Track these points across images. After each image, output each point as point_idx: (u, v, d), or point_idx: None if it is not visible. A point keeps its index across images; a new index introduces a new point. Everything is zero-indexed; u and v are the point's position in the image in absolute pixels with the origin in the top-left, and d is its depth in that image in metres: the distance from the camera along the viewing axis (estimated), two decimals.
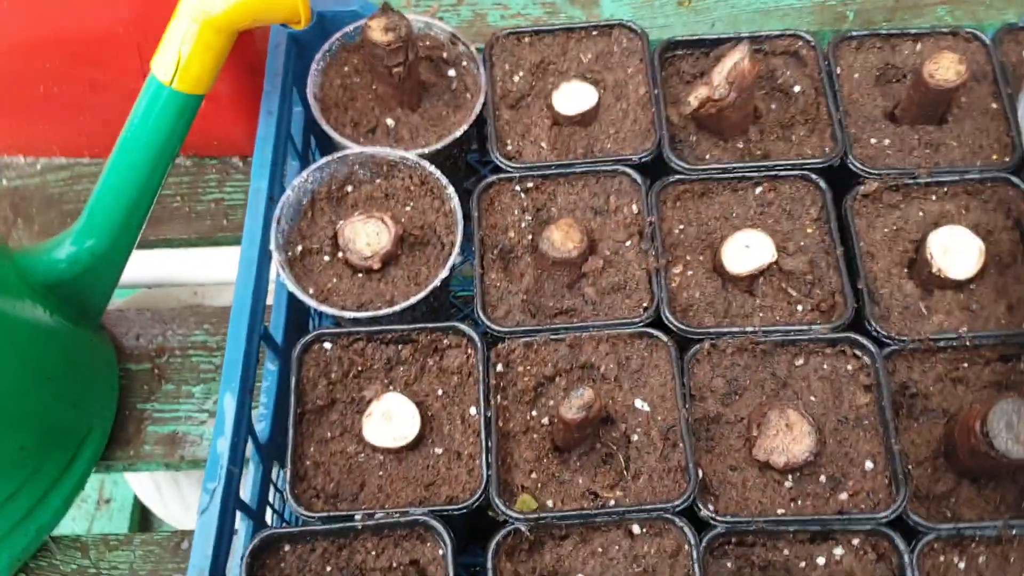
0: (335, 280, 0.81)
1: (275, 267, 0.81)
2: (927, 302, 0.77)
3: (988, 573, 0.69)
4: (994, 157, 0.82)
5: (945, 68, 0.79)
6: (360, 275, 0.81)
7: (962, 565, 0.69)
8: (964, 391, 0.75)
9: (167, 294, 1.19)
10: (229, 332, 0.77)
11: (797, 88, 0.87)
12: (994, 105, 0.85)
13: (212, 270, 1.11)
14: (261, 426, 0.82)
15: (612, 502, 0.71)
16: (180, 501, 1.42)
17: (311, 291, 0.80)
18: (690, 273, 0.80)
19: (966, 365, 0.75)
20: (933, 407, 0.75)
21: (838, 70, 0.87)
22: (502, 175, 0.84)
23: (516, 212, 0.84)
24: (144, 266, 1.11)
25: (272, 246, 0.80)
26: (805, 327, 0.76)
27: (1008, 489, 0.71)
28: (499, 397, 0.76)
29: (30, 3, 0.91)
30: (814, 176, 0.82)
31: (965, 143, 0.83)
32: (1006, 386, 0.74)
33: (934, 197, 0.81)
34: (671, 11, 1.17)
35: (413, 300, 0.78)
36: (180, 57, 0.77)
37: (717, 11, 1.16)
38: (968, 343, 0.75)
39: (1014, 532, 0.69)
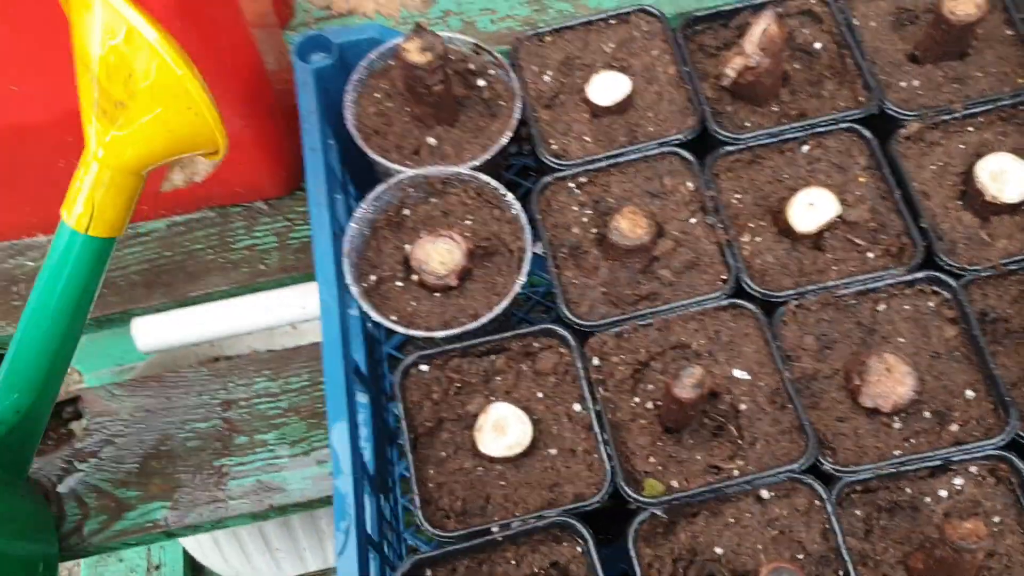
0: (414, 303, 0.82)
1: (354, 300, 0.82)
2: (988, 229, 0.80)
3: None
4: (1020, 81, 0.85)
5: (965, 3, 0.82)
6: (438, 294, 0.82)
7: None
8: None
9: (206, 352, 1.19)
10: (326, 371, 0.77)
11: (818, 45, 0.90)
12: (1009, 32, 0.88)
13: (251, 317, 1.10)
14: (366, 458, 0.82)
15: (736, 472, 0.73)
16: (238, 550, 1.42)
17: (394, 318, 0.81)
18: (758, 239, 0.82)
19: None
20: (1015, 328, 0.77)
21: (855, 21, 0.89)
22: (556, 174, 0.86)
23: (576, 208, 0.85)
24: (188, 324, 1.10)
25: (348, 280, 0.81)
26: (881, 273, 0.78)
27: None
28: (600, 390, 0.77)
29: (51, 78, 0.90)
30: (857, 127, 0.84)
31: (990, 73, 0.86)
32: None
33: (972, 129, 0.84)
34: None
35: (498, 310, 0.79)
36: (93, 204, 0.73)
37: None
38: None
39: None
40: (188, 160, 1.05)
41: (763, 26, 0.82)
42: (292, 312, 1.06)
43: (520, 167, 1.05)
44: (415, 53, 0.81)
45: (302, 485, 0.99)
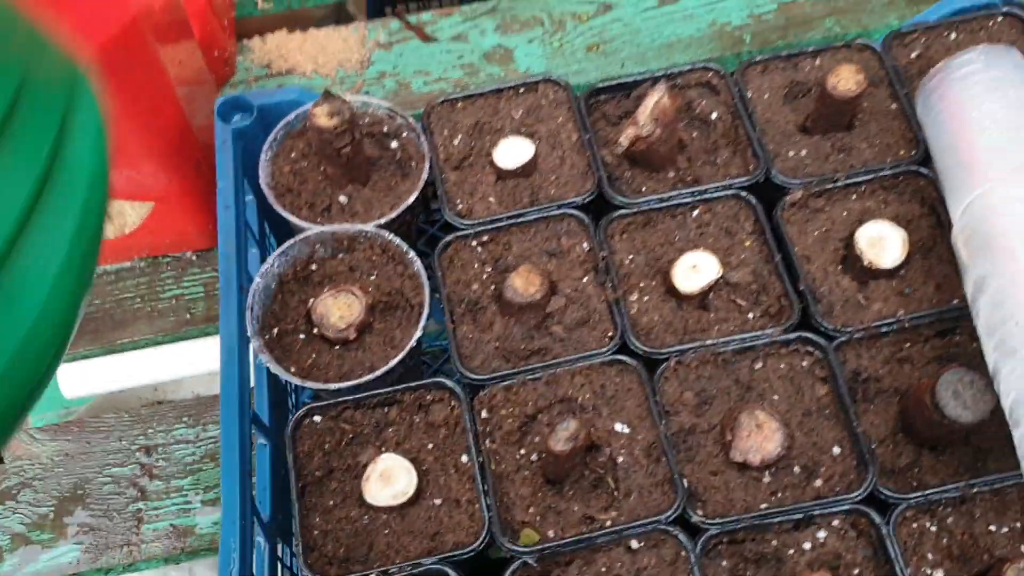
0: (314, 356, 0.85)
1: (253, 352, 0.85)
2: (864, 293, 0.84)
3: (958, 531, 0.75)
4: (901, 153, 0.90)
5: (845, 79, 0.87)
6: (337, 347, 0.85)
7: (934, 528, 0.75)
8: (911, 369, 0.81)
9: (129, 398, 1.21)
10: (222, 420, 0.80)
11: (714, 115, 0.94)
12: (893, 106, 0.92)
13: (174, 366, 1.13)
14: (261, 506, 0.85)
15: (608, 522, 0.76)
16: None
17: (293, 369, 0.84)
18: (646, 299, 0.86)
19: (908, 345, 0.82)
20: (885, 388, 0.81)
21: (749, 93, 0.94)
22: (458, 233, 0.89)
23: (476, 266, 0.89)
24: (114, 371, 1.13)
25: (249, 332, 0.84)
26: (759, 332, 0.82)
27: (964, 452, 0.78)
28: (487, 442, 0.80)
29: None
30: (744, 194, 0.88)
31: (874, 144, 0.91)
32: (947, 358, 0.81)
33: (854, 197, 0.89)
34: (582, 56, 1.25)
35: (393, 362, 0.82)
36: None
37: (625, 51, 1.24)
38: (907, 324, 0.81)
39: (975, 490, 0.75)
40: (117, 211, 1.09)
41: (656, 98, 0.87)
42: (214, 361, 1.09)
43: (444, 223, 1.08)
44: (323, 117, 0.86)
45: (215, 530, 1.01)
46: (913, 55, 0.95)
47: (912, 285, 0.84)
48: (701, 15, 1.26)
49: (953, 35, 0.96)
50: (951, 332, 0.82)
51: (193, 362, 1.12)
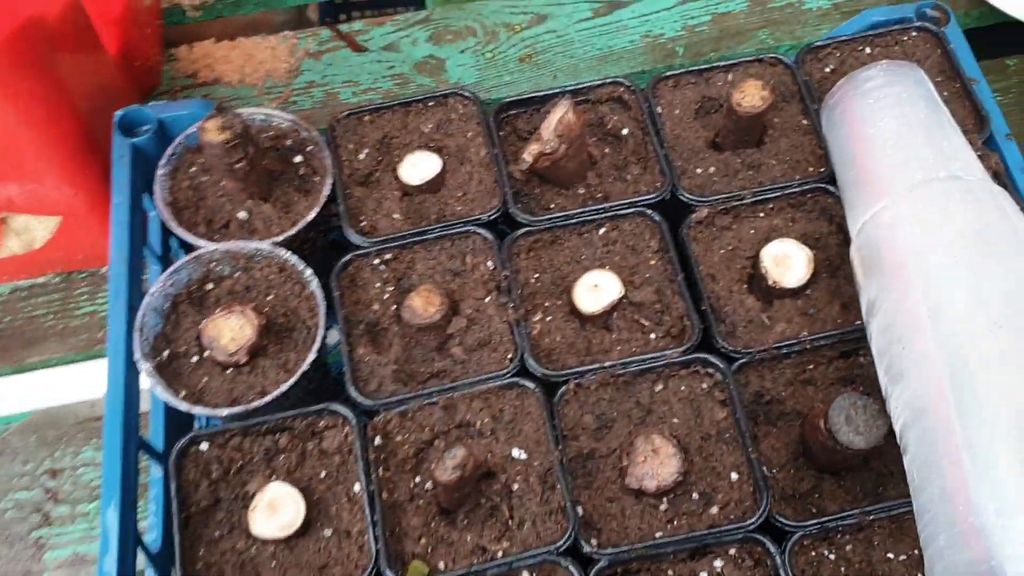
0: (205, 379, 0.83)
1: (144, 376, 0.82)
2: (768, 313, 0.82)
3: (856, 559, 0.73)
4: (810, 170, 0.88)
5: (751, 95, 0.85)
6: (229, 371, 0.83)
7: (832, 556, 0.73)
8: (814, 391, 0.80)
9: (38, 420, 1.18)
10: (104, 446, 0.78)
11: (626, 131, 0.93)
12: (804, 122, 0.91)
13: (85, 386, 1.10)
14: (152, 536, 0.82)
15: (500, 553, 0.74)
16: None
17: (182, 394, 0.81)
18: (549, 319, 0.84)
19: (812, 367, 0.80)
20: (788, 410, 0.79)
21: (659, 109, 0.92)
22: (359, 251, 0.87)
23: (378, 285, 0.86)
24: (24, 392, 1.10)
25: (137, 355, 0.81)
26: (659, 354, 0.80)
27: (864, 477, 0.76)
28: (380, 470, 0.78)
29: None
30: (649, 211, 0.87)
31: (783, 160, 0.89)
32: (849, 380, 0.80)
33: (762, 214, 0.87)
34: (514, 68, 1.23)
35: (284, 387, 0.80)
36: None
37: (557, 63, 1.22)
38: (809, 346, 0.80)
39: (871, 517, 0.73)
40: (23, 226, 1.06)
41: (560, 113, 0.85)
42: None
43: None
44: (213, 132, 0.83)
45: None
46: (827, 69, 0.94)
47: (817, 305, 0.83)
48: (635, 27, 1.24)
49: (868, 49, 0.94)
50: (854, 353, 0.81)
51: (105, 381, 1.09)
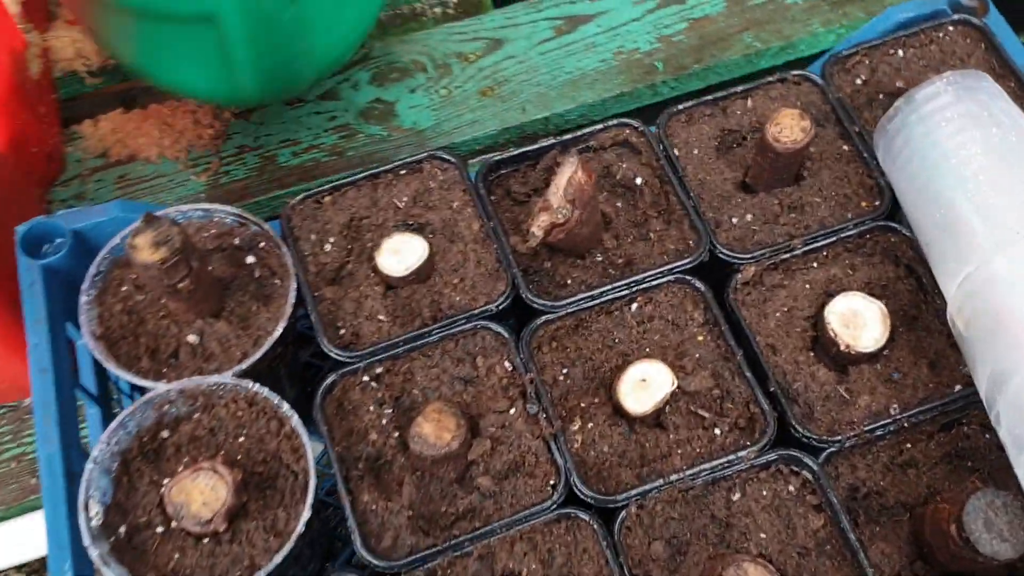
0: (177, 556, 0.66)
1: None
2: (846, 384, 0.69)
3: None
4: (863, 204, 0.75)
5: (789, 128, 0.72)
6: (206, 542, 0.66)
7: None
8: (916, 474, 0.67)
9: None
10: None
11: (639, 180, 0.79)
12: (845, 147, 0.78)
13: (24, 546, 0.92)
14: None
15: None
16: None
17: None
18: (591, 425, 0.69)
19: (910, 446, 0.68)
20: (890, 503, 0.66)
21: (675, 151, 0.78)
22: (343, 369, 0.71)
23: (372, 408, 0.71)
24: None
25: (85, 541, 0.64)
26: (730, 457, 0.66)
27: None
28: None
29: None
30: (687, 278, 0.73)
31: (829, 196, 0.76)
32: (956, 455, 0.67)
33: (816, 264, 0.74)
34: (475, 103, 1.08)
35: (278, 558, 0.64)
36: None
37: (524, 93, 1.08)
38: (907, 423, 0.67)
39: None
40: None
41: (567, 174, 0.70)
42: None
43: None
44: (147, 250, 0.66)
45: None
46: (858, 81, 0.81)
47: (901, 367, 0.70)
48: (603, 43, 1.10)
49: (900, 52, 0.82)
50: (957, 423, 0.68)
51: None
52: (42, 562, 0.96)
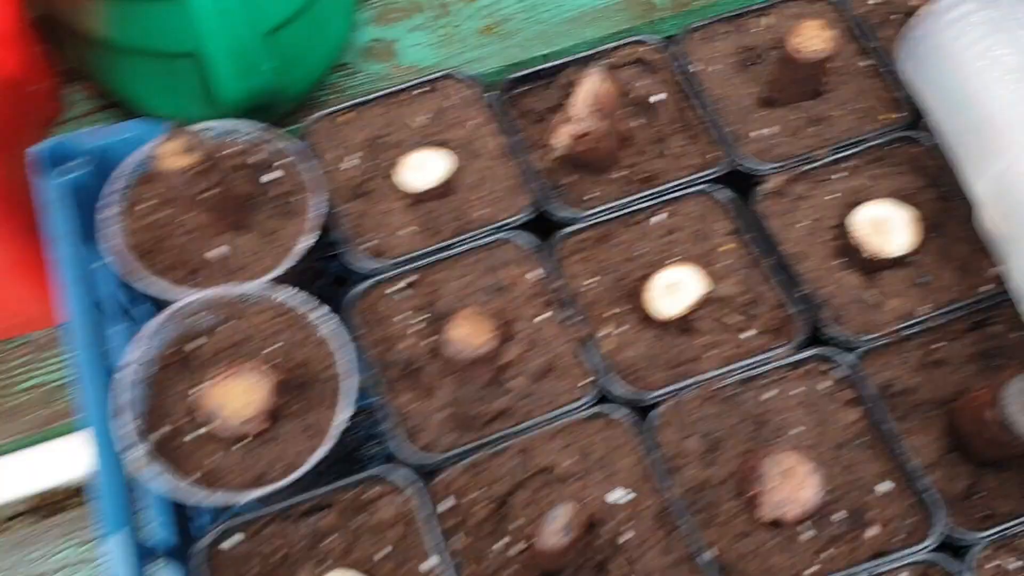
0: (213, 459, 0.66)
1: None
2: (875, 288, 0.70)
3: None
4: (884, 117, 0.77)
5: (811, 38, 0.73)
6: (240, 445, 0.66)
7: (1018, 563, 0.61)
8: (948, 372, 0.68)
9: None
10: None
11: (656, 98, 0.79)
12: (863, 63, 0.79)
13: (45, 474, 0.91)
14: None
15: None
16: None
17: (191, 480, 0.64)
18: (620, 330, 0.70)
19: (940, 344, 0.69)
20: (923, 400, 0.67)
21: (693, 67, 0.79)
22: (374, 279, 0.71)
23: (402, 317, 0.71)
24: None
25: (122, 446, 0.64)
26: (764, 356, 0.67)
27: None
28: (456, 538, 0.63)
29: None
30: (710, 188, 0.74)
31: (851, 110, 0.77)
32: (987, 355, 0.68)
33: (840, 175, 0.75)
34: (475, 42, 1.08)
35: (318, 456, 0.64)
36: None
37: (525, 31, 1.08)
38: (937, 321, 0.68)
39: None
40: None
41: (591, 84, 0.70)
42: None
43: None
44: (172, 158, 0.66)
45: None
46: (871, 1, 0.82)
47: (929, 272, 0.71)
48: None
49: None
50: (986, 323, 0.69)
51: (69, 465, 0.90)
52: (55, 493, 0.95)
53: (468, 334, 0.66)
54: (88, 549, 0.89)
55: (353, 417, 0.66)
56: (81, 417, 0.65)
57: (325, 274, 0.80)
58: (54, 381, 0.93)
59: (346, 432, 0.67)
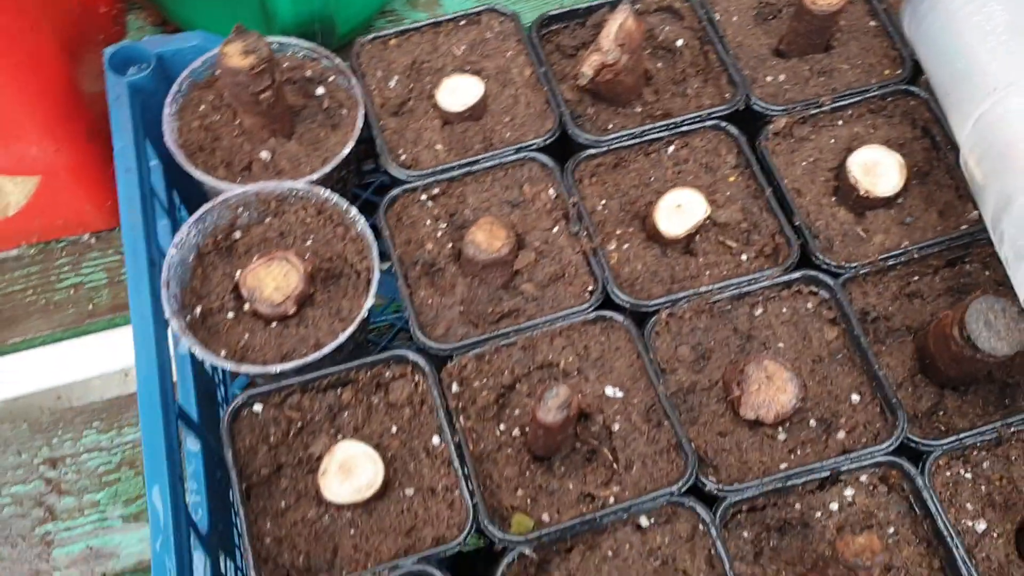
0: (247, 336, 0.73)
1: (173, 337, 0.72)
2: (863, 225, 0.76)
3: (995, 476, 0.67)
4: (886, 73, 0.82)
5: None
6: (275, 324, 0.73)
7: (969, 475, 0.67)
8: (921, 304, 0.74)
9: (28, 405, 1.06)
10: (142, 419, 0.67)
11: (680, 42, 0.85)
12: (872, 23, 0.85)
13: (79, 365, 0.98)
14: (198, 516, 0.72)
15: (611, 499, 0.66)
16: None
17: (223, 353, 0.71)
18: (626, 247, 0.76)
19: (917, 278, 0.74)
20: (897, 326, 0.73)
21: (716, 16, 0.85)
22: (405, 186, 0.78)
23: (428, 222, 0.77)
24: (7, 376, 0.98)
25: (167, 314, 0.71)
26: (756, 275, 0.73)
27: (989, 389, 0.71)
28: (462, 419, 0.69)
29: None
30: (723, 124, 0.79)
31: (856, 64, 0.83)
32: (958, 290, 0.74)
33: (841, 122, 0.81)
34: None
35: (342, 337, 0.70)
36: None
37: None
38: (916, 255, 0.74)
39: (1012, 430, 0.68)
40: None
41: (620, 20, 0.77)
42: (122, 357, 0.95)
43: (379, 185, 0.97)
44: (236, 57, 0.73)
45: (139, 548, 0.87)
46: None
47: (913, 213, 0.77)
48: None
49: None
50: (960, 261, 0.75)
51: (100, 359, 0.98)
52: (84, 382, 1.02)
53: (487, 237, 0.72)
54: None
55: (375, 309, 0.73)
56: (130, 293, 0.72)
57: (352, 183, 0.87)
58: (92, 282, 1.00)
59: (368, 322, 0.74)
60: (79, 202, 0.97)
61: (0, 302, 0.99)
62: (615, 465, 0.67)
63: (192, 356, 0.78)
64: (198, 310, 0.73)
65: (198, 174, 0.77)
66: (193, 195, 0.85)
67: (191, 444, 0.74)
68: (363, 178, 1.00)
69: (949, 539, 0.64)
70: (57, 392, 0.98)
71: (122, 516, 0.88)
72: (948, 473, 0.67)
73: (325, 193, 0.76)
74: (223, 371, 0.87)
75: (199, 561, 0.68)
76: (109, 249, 1.01)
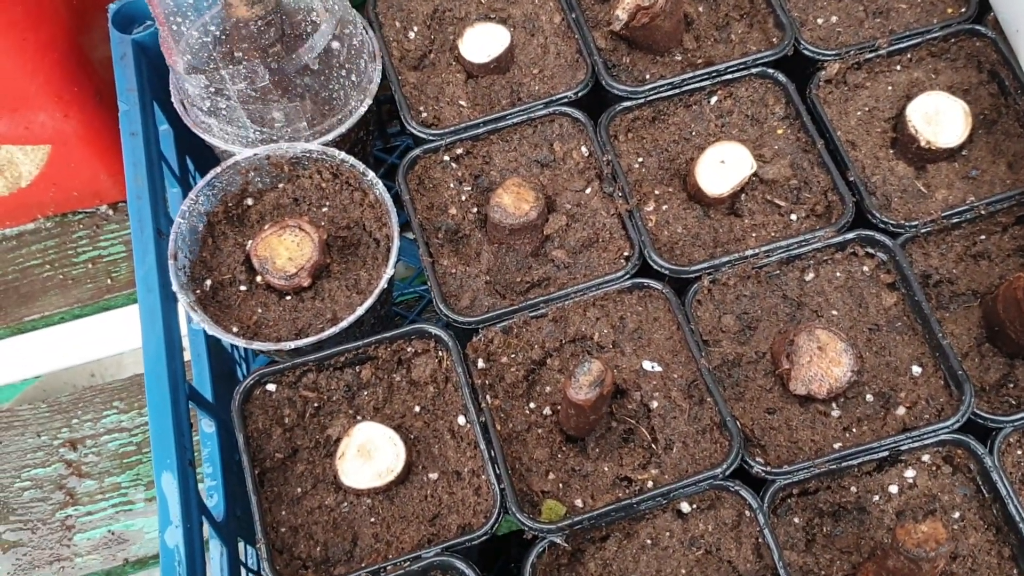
0: (260, 310, 0.68)
1: (183, 312, 0.68)
2: (924, 179, 0.70)
3: None
4: (949, 11, 0.75)
5: None
6: (289, 297, 0.69)
7: None
8: (989, 265, 0.67)
9: (59, 383, 1.03)
10: (148, 401, 0.63)
11: None
12: None
13: (98, 342, 0.95)
14: (213, 501, 0.69)
15: (649, 483, 0.61)
16: None
17: (235, 329, 0.67)
18: (665, 207, 0.70)
19: (984, 237, 0.68)
20: (962, 291, 0.67)
21: None
22: (426, 146, 0.73)
23: (452, 185, 0.72)
24: (25, 355, 0.95)
25: (175, 287, 0.67)
26: (807, 236, 0.67)
27: None
28: (488, 397, 0.64)
29: None
30: (770, 71, 0.73)
31: (915, 2, 0.76)
32: None
33: (899, 67, 0.74)
34: None
35: (361, 310, 0.66)
36: None
37: None
38: (983, 211, 0.67)
39: None
40: (6, 162, 0.90)
41: None
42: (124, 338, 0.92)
43: (404, 149, 0.92)
44: (242, 7, 0.68)
45: None
46: None
47: (979, 165, 0.70)
48: None
49: None
50: None
51: (120, 335, 0.95)
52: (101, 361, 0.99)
53: (515, 200, 0.67)
54: None
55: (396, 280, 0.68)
56: (136, 265, 0.68)
57: (372, 144, 0.82)
58: (110, 255, 0.97)
59: (390, 294, 0.69)
60: (93, 171, 0.94)
61: (17, 278, 0.96)
62: (653, 446, 0.62)
63: (204, 333, 0.74)
64: (208, 283, 0.69)
65: (209, 138, 0.73)
66: (210, 162, 0.80)
67: (206, 426, 0.71)
68: (389, 141, 0.95)
69: (1021, 524, 0.58)
70: (75, 372, 0.95)
71: (145, 499, 0.85)
72: (1020, 452, 0.61)
73: (340, 155, 0.71)
74: (243, 347, 0.83)
75: (215, 550, 0.65)
76: (127, 221, 0.97)
